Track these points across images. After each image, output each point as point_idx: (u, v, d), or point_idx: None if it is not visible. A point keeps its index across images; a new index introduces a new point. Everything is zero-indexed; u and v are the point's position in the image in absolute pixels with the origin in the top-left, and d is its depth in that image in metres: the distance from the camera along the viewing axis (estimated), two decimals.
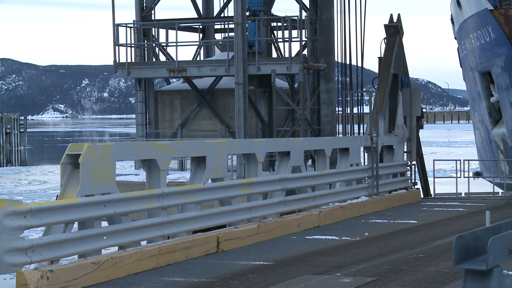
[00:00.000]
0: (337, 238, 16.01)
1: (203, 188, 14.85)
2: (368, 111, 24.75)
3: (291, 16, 27.11)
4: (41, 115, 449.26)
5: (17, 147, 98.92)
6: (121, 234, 12.76)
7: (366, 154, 23.36)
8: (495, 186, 29.35)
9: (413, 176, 26.23)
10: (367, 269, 12.44)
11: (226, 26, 29.04)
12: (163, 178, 14.06)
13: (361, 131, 27.72)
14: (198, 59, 30.11)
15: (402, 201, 23.47)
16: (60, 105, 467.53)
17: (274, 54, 29.77)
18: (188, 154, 15.45)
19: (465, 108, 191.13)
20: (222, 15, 30.54)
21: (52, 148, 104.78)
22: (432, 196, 27.49)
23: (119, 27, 28.56)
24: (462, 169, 28.26)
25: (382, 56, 25.83)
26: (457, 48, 36.19)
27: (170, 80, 31.25)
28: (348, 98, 27.25)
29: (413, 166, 26.37)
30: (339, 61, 28.98)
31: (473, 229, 7.75)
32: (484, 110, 33.46)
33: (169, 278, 11.93)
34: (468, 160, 29.93)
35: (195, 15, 30.76)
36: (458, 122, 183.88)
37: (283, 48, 28.66)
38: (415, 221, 18.94)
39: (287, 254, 14.03)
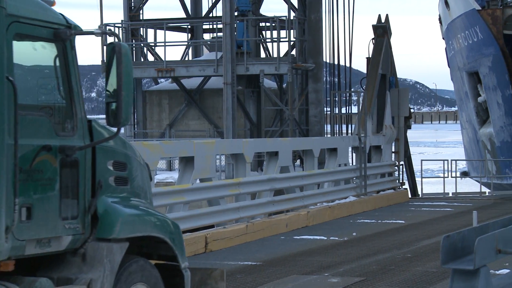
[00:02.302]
0: (325, 238, 16.03)
1: (191, 188, 14.84)
2: (356, 111, 24.79)
3: (280, 16, 27.13)
4: None
5: None
6: None
7: (354, 154, 23.40)
8: (482, 186, 29.44)
9: (401, 176, 26.29)
10: (355, 269, 12.47)
11: (215, 26, 29.04)
12: None
13: (349, 131, 27.77)
14: (186, 59, 30.08)
15: (390, 201, 23.53)
16: None
17: (263, 54, 29.79)
18: (176, 154, 15.43)
19: (453, 109, 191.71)
20: (210, 15, 30.53)
21: None
22: (420, 196, 27.57)
23: (107, 27, 28.50)
24: (449, 169, 28.35)
25: (370, 56, 25.89)
26: (445, 48, 36.29)
27: (159, 80, 31.22)
28: (336, 98, 27.29)
29: (401, 166, 26.44)
30: (328, 61, 29.05)
31: (460, 229, 7.78)
32: (472, 110, 33.57)
33: None
34: (456, 160, 30.02)
35: (183, 15, 30.74)
36: (446, 122, 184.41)
37: (271, 48, 28.70)
38: (403, 221, 18.98)
39: (275, 254, 14.04)
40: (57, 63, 6.13)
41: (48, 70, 6.15)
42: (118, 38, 6.58)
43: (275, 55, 26.94)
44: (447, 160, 29.03)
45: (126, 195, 6.68)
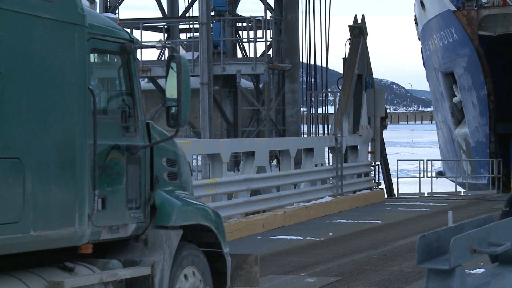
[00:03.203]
0: (302, 238, 16.05)
1: None
2: (333, 112, 24.85)
3: (256, 17, 27.14)
4: None
5: None
6: None
7: (330, 154, 23.46)
8: (457, 186, 29.63)
9: (377, 176, 26.39)
10: (332, 269, 12.50)
11: (191, 26, 28.98)
12: None
13: (326, 131, 27.84)
14: (163, 59, 30.01)
15: (366, 201, 23.61)
16: None
17: (239, 55, 29.78)
18: None
19: (428, 109, 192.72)
20: (187, 15, 30.47)
21: None
22: (396, 196, 27.69)
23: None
24: (425, 169, 28.51)
25: (346, 56, 25.96)
26: (421, 49, 36.48)
27: None
28: (313, 99, 27.34)
29: (377, 166, 26.53)
30: (304, 61, 29.09)
31: (435, 228, 7.81)
32: (447, 110, 33.77)
33: None
34: (431, 160, 30.19)
35: (160, 15, 30.66)
36: (422, 123, 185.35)
37: (248, 48, 28.71)
38: (379, 221, 19.05)
39: None
40: (122, 73, 7.05)
41: (115, 79, 7.11)
42: (177, 51, 7.53)
43: (252, 55, 26.94)
44: (423, 160, 29.19)
45: (176, 189, 7.55)
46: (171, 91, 7.01)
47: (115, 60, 7.02)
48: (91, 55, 6.62)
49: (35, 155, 5.88)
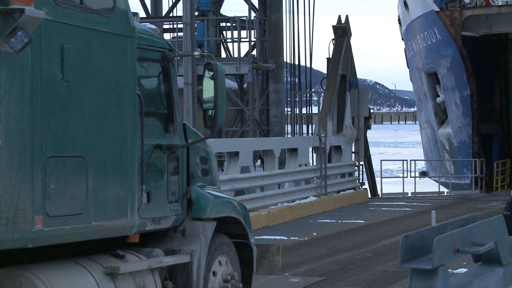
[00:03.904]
0: (286, 238, 16.06)
1: None
2: (317, 112, 24.89)
3: (240, 17, 27.12)
4: None
5: None
6: None
7: (314, 155, 23.49)
8: (440, 186, 29.74)
9: (360, 176, 26.45)
10: (315, 268, 12.51)
11: (175, 26, 28.93)
12: None
13: (310, 131, 27.86)
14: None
15: (350, 201, 23.66)
16: None
17: (223, 55, 29.75)
18: None
19: (412, 109, 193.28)
20: (171, 14, 30.42)
21: None
22: (380, 196, 27.75)
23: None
24: (408, 169, 28.60)
25: (330, 57, 26.00)
26: (404, 49, 36.58)
27: None
28: (297, 99, 27.37)
29: (360, 166, 26.59)
30: (288, 61, 29.11)
31: (419, 228, 7.84)
32: (430, 110, 33.89)
33: None
34: (415, 160, 30.28)
35: (143, 15, 30.58)
36: (405, 123, 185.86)
37: (232, 48, 28.68)
38: (363, 221, 19.10)
39: None
40: (162, 79, 7.77)
41: (157, 84, 7.82)
42: (214, 58, 8.14)
43: (236, 55, 26.92)
44: (407, 160, 29.27)
45: (207, 184, 8.27)
46: (208, 95, 7.80)
47: (157, 67, 7.71)
48: (138, 63, 7.22)
49: (95, 154, 6.53)
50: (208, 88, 7.79)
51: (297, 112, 27.67)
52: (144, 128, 7.14)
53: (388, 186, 30.16)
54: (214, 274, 7.93)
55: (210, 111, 7.80)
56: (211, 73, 7.79)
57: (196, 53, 8.11)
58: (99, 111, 6.59)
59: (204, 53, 8.83)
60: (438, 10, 31.07)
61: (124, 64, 6.88)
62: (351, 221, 19.14)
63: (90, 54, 6.51)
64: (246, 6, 27.73)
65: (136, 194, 6.98)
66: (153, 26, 8.00)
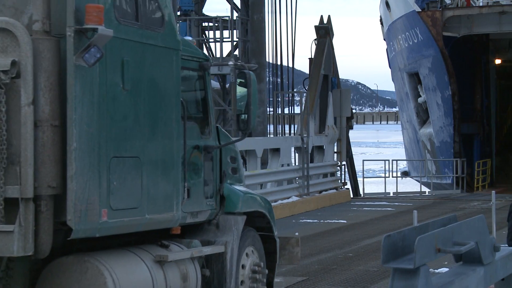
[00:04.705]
0: None
1: None
2: (299, 112, 24.91)
3: (223, 17, 27.10)
4: None
5: None
6: None
7: (296, 155, 23.51)
8: (422, 186, 29.86)
9: (343, 176, 26.50)
10: (298, 268, 12.52)
11: None
12: None
13: (292, 131, 27.89)
14: None
15: (332, 201, 23.70)
16: None
17: None
18: None
19: (394, 109, 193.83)
20: None
21: None
22: (362, 196, 27.83)
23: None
24: (390, 169, 28.70)
25: (312, 57, 26.03)
26: (386, 49, 36.70)
27: None
28: (279, 99, 27.39)
29: (343, 166, 26.65)
30: (270, 61, 29.12)
31: (401, 228, 7.86)
32: (412, 110, 34.01)
33: None
34: (396, 160, 30.39)
35: None
36: (387, 123, 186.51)
37: (214, 48, 28.65)
38: (345, 221, 19.14)
39: None
40: (199, 86, 8.56)
41: (194, 91, 8.58)
42: (246, 68, 9.27)
43: (218, 55, 26.90)
44: (388, 160, 29.37)
45: (236, 181, 9.06)
46: (241, 101, 8.62)
47: (195, 75, 8.51)
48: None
49: (148, 154, 7.35)
50: (241, 95, 8.55)
51: (280, 112, 27.68)
52: (186, 130, 7.99)
53: (370, 186, 30.25)
54: (244, 263, 8.69)
55: (242, 116, 8.65)
56: (243, 80, 8.66)
57: (230, 63, 8.77)
58: (151, 116, 7.41)
59: (238, 63, 9.87)
60: (420, 10, 31.20)
61: (171, 73, 7.71)
62: (333, 221, 19.18)
63: (144, 66, 7.35)
64: (229, 6, 27.72)
65: (180, 190, 7.78)
66: (190, 38, 8.92)
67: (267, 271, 9.02)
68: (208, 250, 8.19)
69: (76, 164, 6.59)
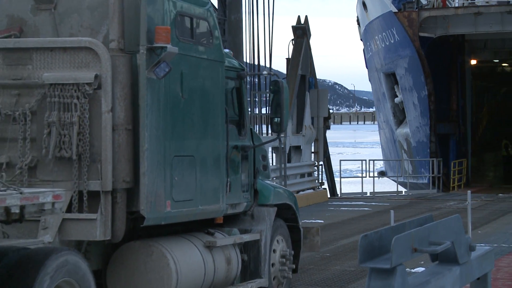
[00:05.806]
0: None
1: None
2: None
3: None
4: None
5: None
6: None
7: (274, 155, 23.52)
8: (398, 185, 29.99)
9: (320, 176, 26.54)
10: None
11: None
12: None
13: (269, 131, 27.88)
14: None
15: (309, 201, 23.74)
16: None
17: None
18: None
19: (371, 109, 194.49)
20: None
21: None
22: (339, 196, 27.89)
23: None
24: (367, 169, 28.79)
25: (290, 57, 26.06)
26: (363, 50, 36.80)
27: None
28: (257, 99, 27.38)
29: (320, 166, 26.69)
30: (248, 61, 29.10)
31: (377, 228, 7.89)
32: (389, 110, 34.16)
33: None
34: (373, 160, 30.50)
35: None
36: (364, 123, 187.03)
37: None
38: (322, 221, 19.17)
39: None
40: (236, 93, 9.69)
41: (233, 97, 9.64)
42: (279, 77, 10.13)
43: None
44: (365, 160, 29.46)
45: (265, 177, 10.29)
46: (274, 106, 9.80)
47: (233, 83, 9.61)
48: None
49: (200, 153, 8.58)
50: (275, 101, 9.80)
51: (257, 112, 27.67)
52: (228, 132, 9.11)
53: (347, 186, 30.33)
54: (275, 250, 9.90)
55: (276, 119, 9.80)
56: (277, 88, 9.81)
57: (264, 72, 9.63)
58: (203, 120, 8.63)
59: (271, 73, 10.53)
60: (396, 11, 31.33)
61: (218, 83, 8.93)
62: (310, 221, 19.20)
63: (198, 76, 8.57)
64: None
65: (224, 185, 8.97)
66: (228, 50, 10.08)
67: (292, 257, 10.15)
68: (247, 238, 9.38)
69: (147, 162, 7.73)
